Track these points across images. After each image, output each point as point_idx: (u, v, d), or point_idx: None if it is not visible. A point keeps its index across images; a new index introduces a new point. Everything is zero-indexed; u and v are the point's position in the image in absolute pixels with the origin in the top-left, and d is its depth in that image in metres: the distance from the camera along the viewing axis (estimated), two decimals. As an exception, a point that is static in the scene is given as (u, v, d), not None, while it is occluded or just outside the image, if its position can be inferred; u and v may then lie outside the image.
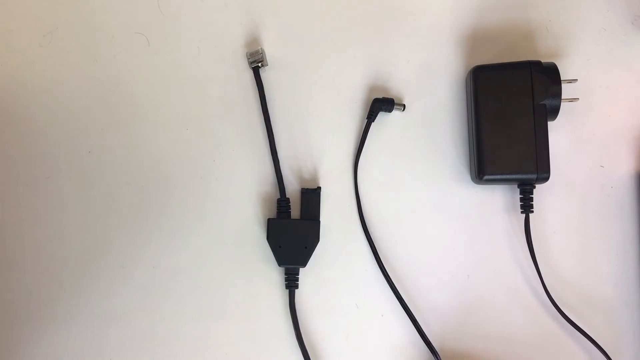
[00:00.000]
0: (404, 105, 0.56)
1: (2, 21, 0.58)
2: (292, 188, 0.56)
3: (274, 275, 0.55)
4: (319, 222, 0.55)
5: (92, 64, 0.57)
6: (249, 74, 0.57)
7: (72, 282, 0.55)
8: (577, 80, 0.54)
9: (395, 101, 0.56)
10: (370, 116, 0.56)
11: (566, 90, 0.53)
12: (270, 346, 0.54)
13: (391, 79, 0.57)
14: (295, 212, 0.55)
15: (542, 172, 0.52)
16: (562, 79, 0.53)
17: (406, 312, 0.54)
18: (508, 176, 0.53)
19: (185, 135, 0.56)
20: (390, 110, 0.56)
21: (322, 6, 0.58)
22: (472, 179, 0.55)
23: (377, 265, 0.55)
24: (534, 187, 0.54)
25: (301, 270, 0.54)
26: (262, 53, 0.56)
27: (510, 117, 0.52)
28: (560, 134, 0.55)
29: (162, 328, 0.55)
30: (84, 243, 0.56)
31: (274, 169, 0.56)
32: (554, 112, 0.53)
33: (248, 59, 0.56)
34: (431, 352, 0.53)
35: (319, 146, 0.56)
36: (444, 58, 0.57)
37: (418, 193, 0.56)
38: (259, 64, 0.56)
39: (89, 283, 0.55)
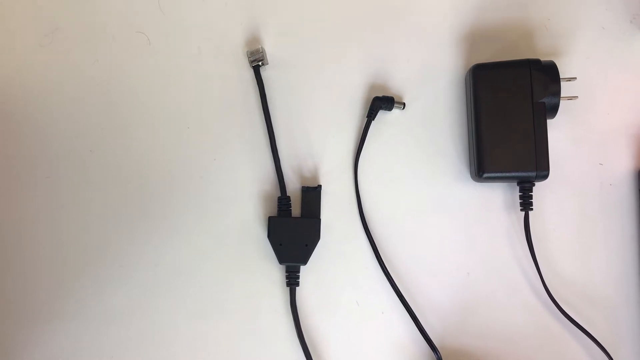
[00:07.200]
0: (404, 104, 0.57)
1: (3, 21, 0.58)
2: (293, 186, 0.56)
3: (275, 273, 0.55)
4: (320, 220, 0.55)
5: (92, 63, 0.57)
6: (250, 73, 0.57)
7: (72, 282, 0.55)
8: (576, 78, 0.55)
9: (395, 100, 0.56)
10: (371, 115, 0.56)
11: (565, 89, 0.53)
12: (271, 344, 0.54)
13: (391, 78, 0.57)
14: (295, 210, 0.55)
15: (542, 170, 0.52)
16: (561, 77, 0.53)
17: (407, 309, 0.54)
18: (507, 174, 0.53)
19: (186, 134, 0.57)
20: (390, 109, 0.56)
21: (322, 5, 0.58)
22: (472, 177, 0.55)
23: (378, 263, 0.55)
24: (534, 184, 0.54)
25: (302, 268, 0.54)
26: (262, 52, 0.56)
27: (509, 115, 0.53)
28: (559, 132, 0.56)
29: (163, 327, 0.55)
30: (84, 243, 0.56)
31: (274, 167, 0.56)
32: (553, 110, 0.53)
33: (248, 57, 0.56)
34: (432, 349, 0.53)
35: (319, 144, 0.56)
36: (443, 56, 0.57)
37: (418, 191, 0.56)
38: (260, 63, 0.56)
39: (89, 283, 0.55)
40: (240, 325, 0.55)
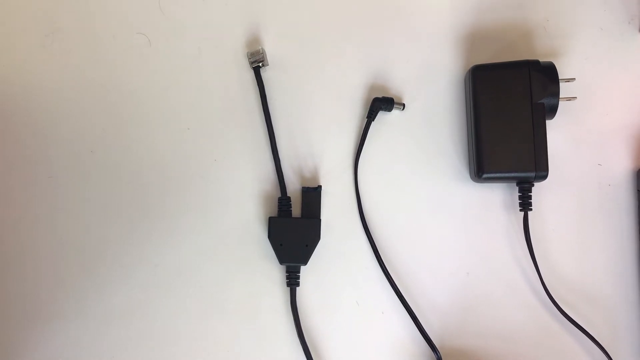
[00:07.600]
0: (404, 105, 0.57)
1: (4, 21, 0.58)
2: (293, 187, 0.56)
3: (275, 273, 0.55)
4: (320, 220, 0.55)
5: (93, 64, 0.57)
6: (250, 74, 0.57)
7: (72, 282, 0.55)
8: (574, 79, 0.55)
9: (394, 100, 0.56)
10: (370, 115, 0.56)
11: (564, 89, 0.53)
12: (271, 344, 0.54)
13: (391, 78, 0.57)
14: (296, 210, 0.56)
15: (541, 170, 0.52)
16: (560, 78, 0.53)
17: (406, 309, 0.54)
18: (507, 174, 0.53)
19: (187, 134, 0.57)
20: (390, 110, 0.56)
21: (322, 6, 0.58)
22: (471, 178, 0.55)
23: (378, 263, 0.55)
24: (533, 185, 0.54)
25: (302, 268, 0.54)
26: (262, 53, 0.56)
27: (508, 115, 0.53)
28: (558, 133, 0.56)
29: (163, 327, 0.55)
30: (84, 243, 0.56)
31: (274, 168, 0.56)
32: (552, 110, 0.53)
33: (249, 58, 0.56)
34: (431, 349, 0.53)
35: (319, 145, 0.57)
36: (443, 57, 0.57)
37: (418, 191, 0.56)
38: (260, 64, 0.56)
39: (89, 283, 0.55)
40: (240, 325, 0.55)
